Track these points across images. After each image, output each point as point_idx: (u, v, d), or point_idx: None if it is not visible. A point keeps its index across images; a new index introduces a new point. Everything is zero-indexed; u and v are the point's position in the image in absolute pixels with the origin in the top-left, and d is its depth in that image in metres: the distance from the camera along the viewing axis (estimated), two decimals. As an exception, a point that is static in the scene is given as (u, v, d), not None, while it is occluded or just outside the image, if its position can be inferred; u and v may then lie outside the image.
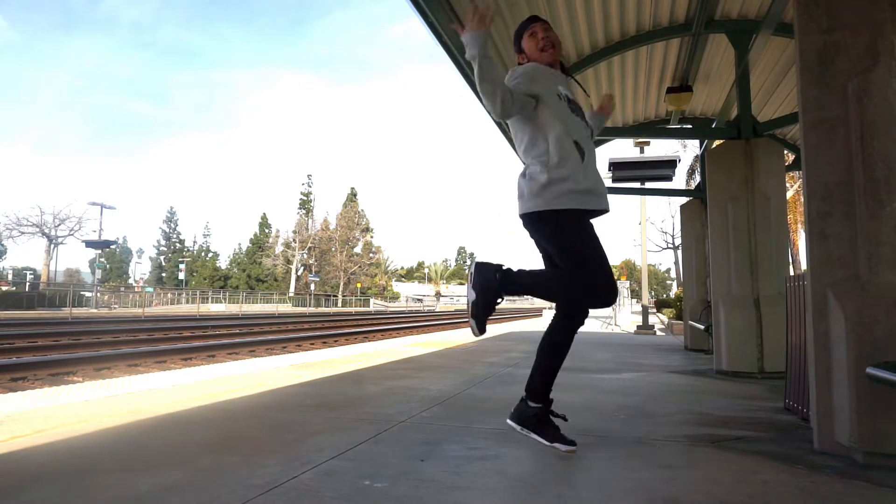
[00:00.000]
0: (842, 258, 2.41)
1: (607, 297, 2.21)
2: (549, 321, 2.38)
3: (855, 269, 2.37)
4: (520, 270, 2.33)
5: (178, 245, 75.83)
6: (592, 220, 2.35)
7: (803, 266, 18.73)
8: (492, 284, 2.31)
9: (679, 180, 22.25)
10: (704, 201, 7.24)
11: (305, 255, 63.78)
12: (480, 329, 2.33)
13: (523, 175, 2.33)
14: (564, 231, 2.24)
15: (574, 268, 2.21)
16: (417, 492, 1.86)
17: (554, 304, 2.42)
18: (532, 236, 2.38)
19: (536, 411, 2.29)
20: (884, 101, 2.38)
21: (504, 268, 2.33)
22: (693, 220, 8.50)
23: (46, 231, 42.77)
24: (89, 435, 2.58)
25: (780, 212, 5.22)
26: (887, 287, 2.27)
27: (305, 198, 68.29)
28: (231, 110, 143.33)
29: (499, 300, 2.32)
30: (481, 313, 2.32)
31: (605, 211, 2.37)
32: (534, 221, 2.28)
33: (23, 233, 42.28)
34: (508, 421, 2.37)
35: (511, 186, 2.46)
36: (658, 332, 13.74)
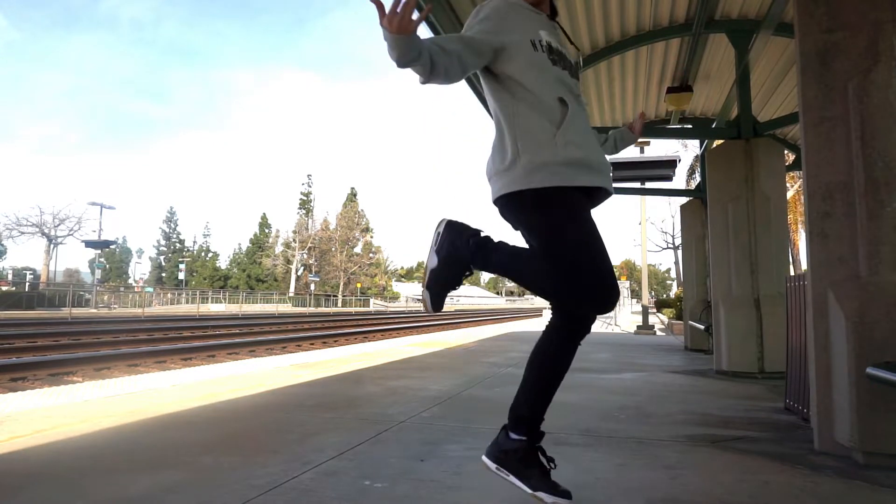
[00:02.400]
0: (842, 258, 2.42)
1: (604, 300, 1.66)
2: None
3: (855, 269, 2.37)
4: (501, 243, 1.79)
5: (178, 245, 75.79)
6: (592, 206, 1.79)
7: (803, 266, 18.73)
8: (462, 253, 1.78)
9: (679, 180, 22.29)
10: (704, 201, 7.24)
11: (305, 255, 63.78)
12: (435, 305, 1.79)
13: (492, 149, 1.81)
14: (544, 216, 1.69)
15: (562, 263, 1.66)
16: (417, 492, 1.87)
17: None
18: (514, 228, 1.84)
19: (518, 446, 1.72)
20: (884, 101, 2.38)
21: (482, 235, 1.81)
22: (693, 220, 8.50)
23: (46, 231, 42.78)
24: (89, 435, 2.58)
25: (780, 212, 5.22)
26: (888, 287, 2.27)
27: (305, 198, 68.27)
28: (231, 109, 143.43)
29: (467, 273, 1.80)
30: (440, 288, 1.78)
31: (606, 192, 1.79)
32: (507, 207, 1.76)
33: (23, 233, 42.27)
34: (483, 458, 1.78)
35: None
36: (658, 332, 13.74)
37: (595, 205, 1.81)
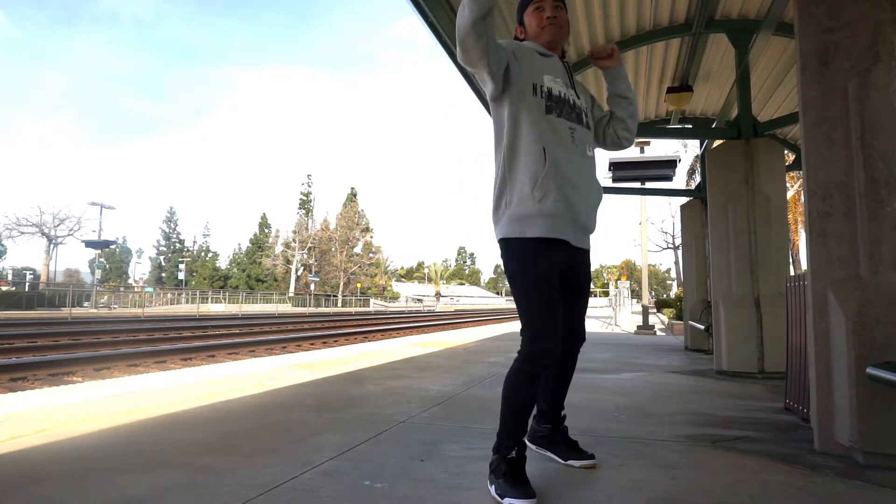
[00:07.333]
0: (842, 258, 2.41)
1: (534, 345, 1.87)
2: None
3: (855, 269, 2.37)
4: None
5: (177, 245, 75.77)
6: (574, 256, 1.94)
7: (803, 266, 18.73)
8: (494, 466, 1.86)
9: (679, 180, 22.29)
10: (704, 201, 7.25)
11: (305, 255, 63.77)
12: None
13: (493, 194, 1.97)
14: (508, 265, 1.91)
15: (518, 305, 1.91)
16: (417, 492, 1.87)
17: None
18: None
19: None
20: (884, 101, 2.38)
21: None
22: (693, 220, 8.50)
23: (46, 231, 42.76)
24: (89, 435, 2.58)
25: (780, 212, 5.22)
26: (887, 287, 2.27)
27: (305, 198, 68.25)
28: (231, 109, 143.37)
29: (513, 455, 1.82)
30: (507, 480, 1.77)
31: (580, 247, 1.95)
32: (501, 250, 1.95)
33: (23, 233, 42.26)
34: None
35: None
36: (658, 332, 13.73)
37: (580, 253, 1.98)
